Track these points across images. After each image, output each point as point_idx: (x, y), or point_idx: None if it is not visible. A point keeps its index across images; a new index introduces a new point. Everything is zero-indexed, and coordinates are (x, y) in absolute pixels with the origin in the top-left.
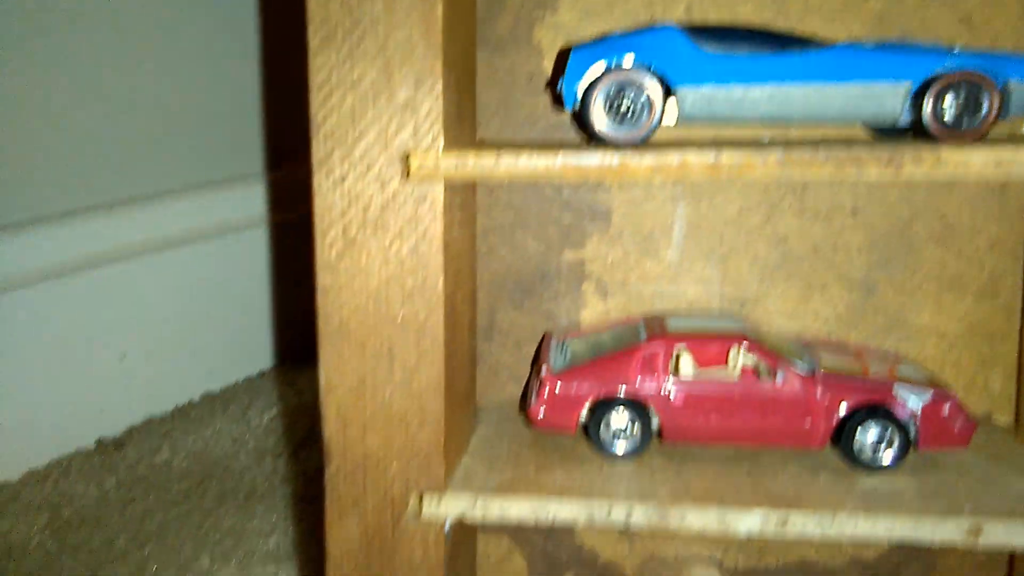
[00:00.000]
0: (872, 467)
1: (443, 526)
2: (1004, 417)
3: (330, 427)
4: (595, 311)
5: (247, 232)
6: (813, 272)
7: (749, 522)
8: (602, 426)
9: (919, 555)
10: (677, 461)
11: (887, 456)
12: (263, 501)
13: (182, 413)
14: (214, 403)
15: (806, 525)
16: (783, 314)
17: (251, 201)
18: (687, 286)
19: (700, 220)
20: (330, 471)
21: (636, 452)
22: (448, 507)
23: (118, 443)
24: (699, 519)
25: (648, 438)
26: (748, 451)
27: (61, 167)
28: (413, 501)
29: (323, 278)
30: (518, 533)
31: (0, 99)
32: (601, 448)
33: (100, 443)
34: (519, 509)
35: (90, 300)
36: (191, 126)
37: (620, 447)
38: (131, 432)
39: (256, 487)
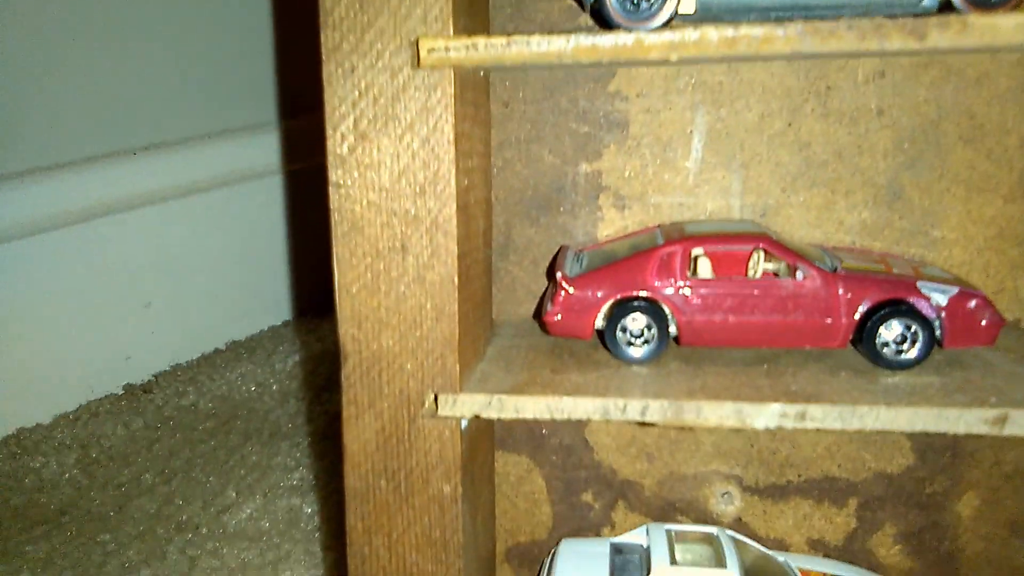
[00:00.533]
0: (895, 365)
1: (459, 424)
2: None
3: (345, 326)
4: (612, 226)
5: (265, 180)
6: (837, 178)
7: (767, 416)
8: (618, 330)
9: (944, 468)
10: (694, 364)
11: (910, 354)
12: (287, 439)
13: (207, 360)
14: (239, 350)
15: (826, 417)
16: (806, 223)
17: (268, 149)
18: (706, 197)
19: (720, 127)
20: (346, 370)
21: (653, 356)
22: (464, 406)
23: (145, 388)
24: (715, 413)
25: (665, 342)
26: (767, 354)
27: (80, 114)
28: (429, 399)
29: (334, 174)
30: (537, 453)
31: (25, 45)
32: (617, 353)
33: (128, 388)
34: (534, 407)
35: (113, 246)
36: (208, 74)
37: (636, 352)
38: (158, 378)
39: (280, 427)
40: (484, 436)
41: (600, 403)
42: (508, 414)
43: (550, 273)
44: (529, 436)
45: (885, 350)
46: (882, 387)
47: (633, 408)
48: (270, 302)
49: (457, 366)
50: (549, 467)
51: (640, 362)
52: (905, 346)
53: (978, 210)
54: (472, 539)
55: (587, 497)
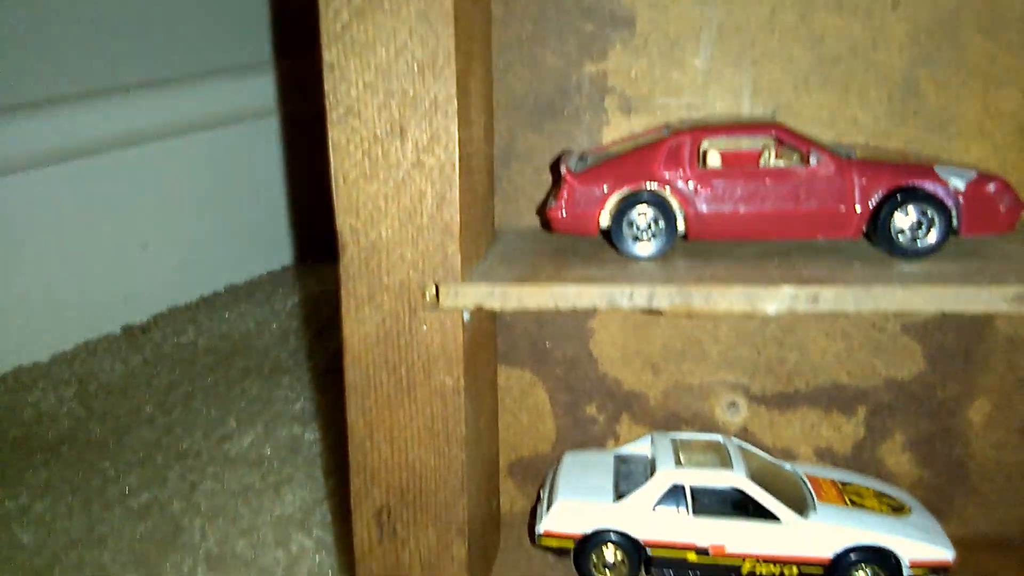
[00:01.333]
0: (911, 253)
1: (461, 316)
2: None
3: (342, 215)
4: (619, 130)
5: (264, 122)
6: (851, 74)
7: (778, 299)
8: (624, 225)
9: (955, 375)
10: (703, 259)
11: (928, 240)
12: (288, 374)
13: (206, 302)
14: (238, 293)
15: (839, 300)
16: (819, 122)
17: (265, 90)
18: (716, 97)
19: (730, 23)
20: (344, 261)
21: (661, 252)
22: (466, 296)
23: (143, 328)
24: (725, 298)
25: (673, 237)
26: (778, 248)
27: (75, 48)
28: (430, 290)
29: (328, 53)
30: (540, 366)
31: None
32: (624, 249)
33: (126, 329)
34: (538, 296)
35: (108, 184)
36: (203, 11)
37: (644, 248)
38: (156, 319)
39: (281, 362)
40: (486, 338)
41: (606, 290)
42: (511, 304)
43: (555, 175)
44: (532, 349)
45: (900, 237)
46: (897, 272)
47: (640, 295)
48: (269, 247)
49: (459, 255)
50: (552, 381)
51: (647, 259)
52: (921, 232)
53: (996, 105)
54: (475, 435)
55: (591, 410)
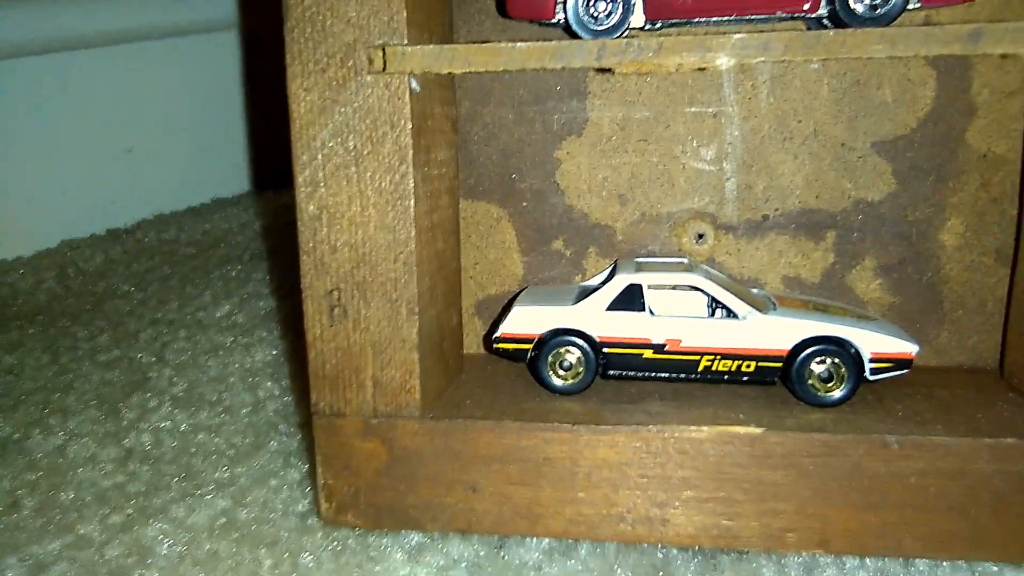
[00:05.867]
0: (869, 21)
1: (408, 81)
2: None
3: None
4: None
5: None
6: None
7: (728, 48)
8: (581, 6)
9: (927, 195)
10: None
11: (889, 4)
12: (267, 261)
13: (193, 211)
14: (225, 204)
15: (790, 46)
16: None
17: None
18: None
19: None
20: (288, 25)
21: (618, 34)
22: (412, 59)
23: (128, 231)
24: (675, 51)
25: (628, 17)
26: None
27: None
28: (376, 53)
29: None
30: (506, 200)
31: None
32: (581, 32)
33: (111, 232)
34: (487, 57)
35: (90, 82)
36: None
37: (600, 27)
38: (141, 224)
39: (261, 252)
40: (441, 119)
41: (558, 49)
42: (459, 67)
43: None
44: (499, 182)
45: (854, 7)
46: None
47: (591, 51)
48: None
49: (404, 15)
50: (519, 215)
51: (601, 34)
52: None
53: None
54: (426, 220)
55: (558, 245)
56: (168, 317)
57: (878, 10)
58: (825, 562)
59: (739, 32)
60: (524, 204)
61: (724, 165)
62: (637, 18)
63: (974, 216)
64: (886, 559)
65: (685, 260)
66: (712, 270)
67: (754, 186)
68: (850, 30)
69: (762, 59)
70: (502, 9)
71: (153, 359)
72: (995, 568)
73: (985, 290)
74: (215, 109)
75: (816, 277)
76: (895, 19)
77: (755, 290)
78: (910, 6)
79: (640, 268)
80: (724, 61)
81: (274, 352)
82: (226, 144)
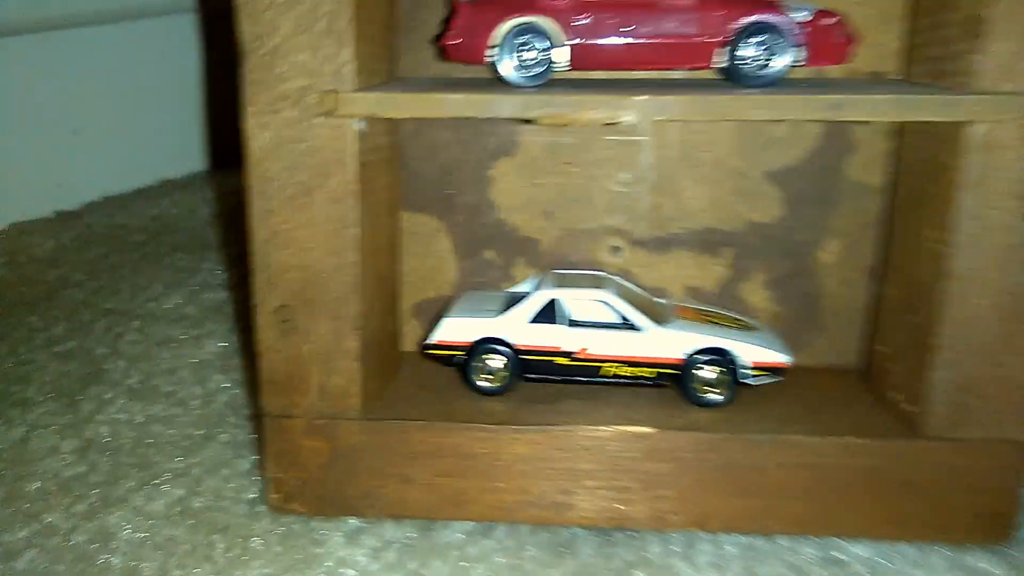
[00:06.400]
0: (758, 81)
1: (355, 124)
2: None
3: (241, 22)
4: None
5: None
6: None
7: (634, 108)
8: (509, 52)
9: (812, 219)
10: (577, 85)
11: (772, 69)
12: (219, 251)
13: (140, 193)
14: (174, 186)
15: (687, 106)
16: None
17: None
18: None
19: None
20: (245, 68)
21: (542, 79)
22: (358, 104)
23: (77, 214)
24: (589, 108)
25: (552, 65)
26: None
27: None
28: (326, 98)
29: None
30: (444, 213)
31: None
32: (508, 77)
33: (59, 214)
34: (426, 105)
35: (35, 64)
36: None
37: (526, 75)
38: (90, 206)
39: (210, 241)
40: (385, 154)
41: (488, 100)
42: (400, 114)
43: (450, 6)
44: (438, 196)
45: (746, 66)
46: (740, 91)
47: (516, 105)
48: (205, 145)
49: (353, 64)
50: (455, 227)
51: (531, 85)
52: (766, 62)
53: None
54: (370, 243)
55: (490, 254)
56: (121, 307)
57: (763, 71)
58: (703, 538)
59: (643, 96)
60: (460, 217)
61: (638, 188)
62: (561, 65)
63: (849, 238)
64: (754, 536)
65: (602, 274)
66: (625, 282)
67: (664, 207)
68: (737, 96)
69: (662, 118)
70: (441, 52)
71: (108, 351)
72: (839, 542)
73: (855, 302)
74: (165, 90)
75: (714, 288)
76: (780, 78)
77: (660, 299)
78: (793, 65)
79: (561, 282)
80: (630, 118)
81: (224, 344)
82: (176, 125)
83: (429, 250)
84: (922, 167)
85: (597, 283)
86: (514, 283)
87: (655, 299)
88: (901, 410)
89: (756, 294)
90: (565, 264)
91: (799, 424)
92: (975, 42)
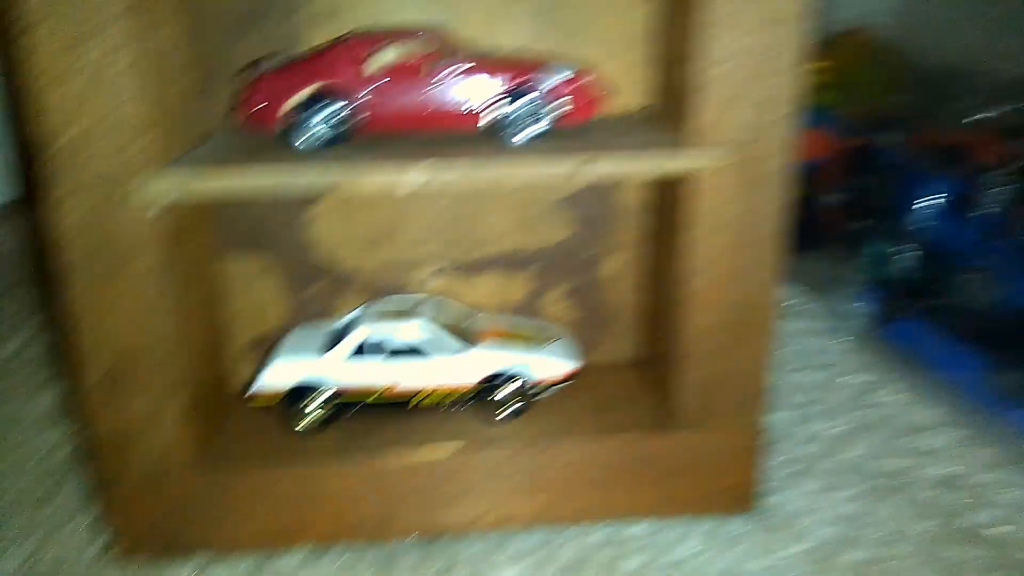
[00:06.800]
0: (520, 140)
1: (155, 206)
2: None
3: (37, 115)
4: (314, 38)
5: None
6: None
7: (412, 177)
8: (302, 121)
9: (600, 235)
10: (365, 149)
11: (532, 129)
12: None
13: None
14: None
15: (457, 172)
16: (484, 29)
17: None
18: (397, 10)
19: None
20: (44, 159)
21: (334, 143)
22: (155, 190)
23: None
24: (370, 179)
25: (343, 130)
26: (428, 139)
27: None
28: (123, 185)
29: None
30: (268, 252)
31: None
32: (300, 143)
33: None
34: (220, 184)
35: None
36: None
37: (317, 141)
38: None
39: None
40: (196, 222)
41: (278, 178)
42: (197, 197)
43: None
44: (261, 237)
45: (510, 127)
46: (507, 150)
47: (304, 178)
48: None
49: (149, 151)
50: (281, 264)
51: (321, 147)
52: (526, 122)
53: (616, 16)
54: (184, 312)
55: (316, 288)
56: None
57: (524, 131)
58: (511, 535)
59: (418, 165)
60: (285, 255)
61: (449, 217)
62: (352, 130)
63: (630, 250)
64: (553, 526)
65: (423, 297)
66: (444, 302)
67: (473, 233)
68: (503, 160)
69: (444, 180)
70: (241, 121)
71: None
72: (621, 524)
73: (638, 306)
74: None
75: (521, 301)
76: (539, 137)
77: (474, 318)
78: (543, 130)
79: (383, 311)
80: (413, 181)
81: (59, 395)
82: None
83: (257, 289)
84: (664, 201)
85: (416, 309)
86: (344, 312)
87: (469, 318)
88: (665, 404)
89: (557, 304)
90: (390, 290)
91: (584, 424)
92: (694, 100)
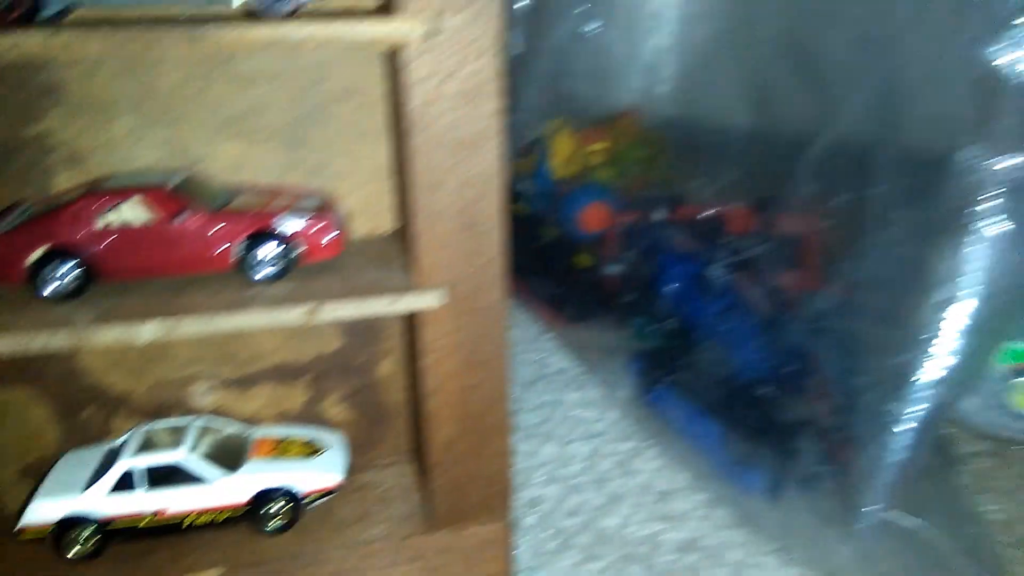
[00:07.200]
0: (264, 279)
1: None
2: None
3: None
4: (65, 182)
5: None
6: (253, 130)
7: (148, 331)
8: (39, 275)
9: (367, 344)
10: (110, 296)
11: (275, 269)
12: None
13: None
14: None
15: (192, 325)
16: (232, 168)
17: None
18: (145, 151)
19: (148, 91)
20: None
21: (76, 295)
22: None
23: None
24: (104, 335)
25: (82, 283)
26: (173, 282)
27: None
28: None
29: None
30: (35, 384)
31: None
32: (43, 294)
33: None
34: None
35: None
36: None
37: (56, 291)
38: None
39: None
40: None
41: (16, 339)
42: None
43: None
44: (26, 370)
45: (253, 269)
46: (247, 296)
47: (39, 341)
48: None
49: None
50: (50, 395)
51: (64, 300)
52: (270, 263)
53: (360, 151)
54: None
55: (88, 413)
56: None
57: (268, 271)
58: None
59: (156, 318)
60: (52, 386)
61: (217, 338)
62: (83, 286)
63: (399, 355)
64: None
65: (188, 422)
66: (215, 421)
67: (243, 350)
68: (231, 314)
69: (178, 333)
70: None
71: None
72: None
73: (409, 404)
74: None
75: (298, 410)
76: (282, 277)
77: (244, 433)
78: (283, 273)
79: (148, 438)
80: (150, 333)
81: None
82: None
83: (26, 418)
84: (408, 324)
85: (186, 431)
86: (118, 434)
87: (244, 432)
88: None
89: (335, 409)
90: (162, 411)
91: (352, 532)
92: (414, 243)
